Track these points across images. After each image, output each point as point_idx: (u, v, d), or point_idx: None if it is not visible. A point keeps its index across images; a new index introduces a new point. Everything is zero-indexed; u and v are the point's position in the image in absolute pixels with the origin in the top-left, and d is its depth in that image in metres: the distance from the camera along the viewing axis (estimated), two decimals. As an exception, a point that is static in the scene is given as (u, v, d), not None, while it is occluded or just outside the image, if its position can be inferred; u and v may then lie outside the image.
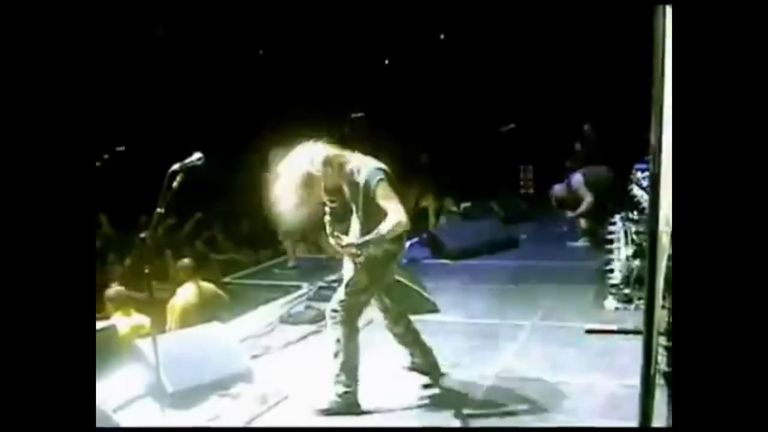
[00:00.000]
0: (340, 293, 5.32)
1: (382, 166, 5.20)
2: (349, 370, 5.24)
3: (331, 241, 5.11)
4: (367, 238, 5.11)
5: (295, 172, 5.06)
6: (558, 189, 11.19)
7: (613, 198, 10.50)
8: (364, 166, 5.19)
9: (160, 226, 8.01)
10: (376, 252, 5.17)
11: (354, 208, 5.34)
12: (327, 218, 5.21)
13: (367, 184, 5.11)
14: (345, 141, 5.77)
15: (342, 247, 5.09)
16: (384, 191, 5.07)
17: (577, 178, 10.76)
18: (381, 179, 5.09)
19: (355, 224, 5.38)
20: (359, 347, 5.30)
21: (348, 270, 5.37)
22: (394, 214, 5.00)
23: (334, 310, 5.28)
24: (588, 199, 10.57)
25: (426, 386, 5.69)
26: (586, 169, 10.92)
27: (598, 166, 11.03)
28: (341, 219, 5.42)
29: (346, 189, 5.30)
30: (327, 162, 5.14)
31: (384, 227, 5.00)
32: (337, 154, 5.24)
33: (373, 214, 5.12)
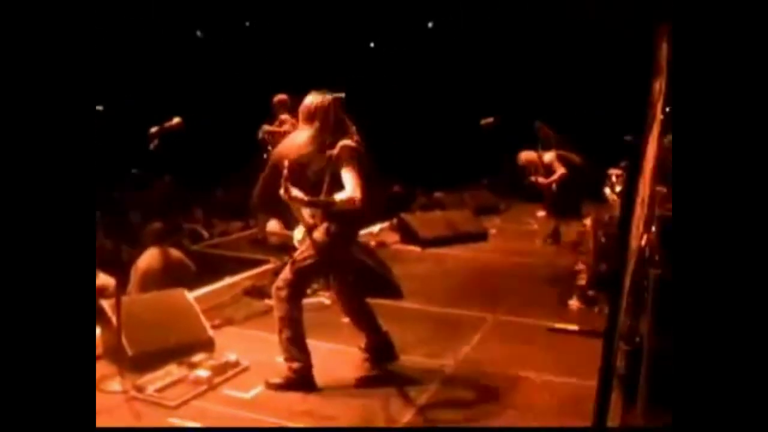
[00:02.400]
0: (286, 271, 5.38)
1: (352, 143, 5.26)
2: (297, 345, 5.29)
3: (281, 191, 5.10)
4: (317, 199, 5.17)
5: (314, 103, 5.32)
6: (526, 154, 11.13)
7: (584, 192, 10.56)
8: (340, 141, 5.24)
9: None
10: (323, 234, 5.26)
11: (324, 179, 5.35)
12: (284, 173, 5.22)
13: (338, 157, 5.15)
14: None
15: (290, 198, 5.09)
16: (348, 166, 5.13)
17: (551, 155, 10.73)
18: (351, 156, 5.16)
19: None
20: (303, 323, 5.34)
21: (298, 250, 5.42)
22: (351, 190, 5.06)
23: (278, 288, 5.34)
24: (561, 170, 10.57)
25: (381, 368, 5.72)
26: (561, 152, 10.87)
27: (573, 154, 11.00)
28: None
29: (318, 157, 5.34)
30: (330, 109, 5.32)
31: (337, 196, 5.07)
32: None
33: (336, 191, 5.16)
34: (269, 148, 10.34)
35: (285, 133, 9.96)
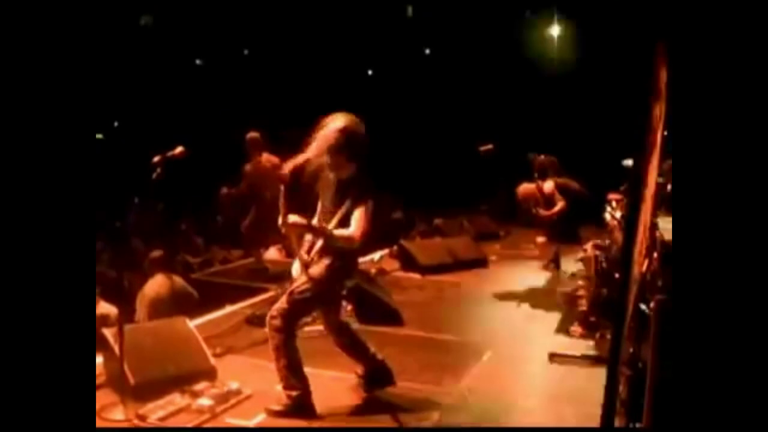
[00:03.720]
0: (282, 301, 5.37)
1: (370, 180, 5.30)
2: (295, 372, 5.28)
3: (279, 218, 5.13)
4: (315, 225, 5.21)
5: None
6: (525, 187, 11.18)
7: (583, 218, 10.59)
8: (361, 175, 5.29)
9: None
10: (322, 269, 5.28)
11: (330, 205, 5.38)
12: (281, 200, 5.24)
13: (356, 193, 5.21)
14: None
15: (287, 224, 5.11)
16: (361, 206, 5.17)
17: (550, 184, 10.77)
18: (369, 198, 5.20)
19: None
20: (298, 350, 5.33)
21: (296, 281, 5.44)
22: (355, 230, 5.12)
23: (272, 317, 5.34)
24: (561, 203, 10.60)
25: (382, 395, 5.69)
26: (559, 180, 10.93)
27: (571, 180, 11.06)
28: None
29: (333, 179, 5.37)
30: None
31: (338, 231, 5.13)
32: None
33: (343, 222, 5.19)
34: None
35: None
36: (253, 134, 10.57)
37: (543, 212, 10.83)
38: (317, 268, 5.32)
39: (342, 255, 5.29)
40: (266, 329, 5.43)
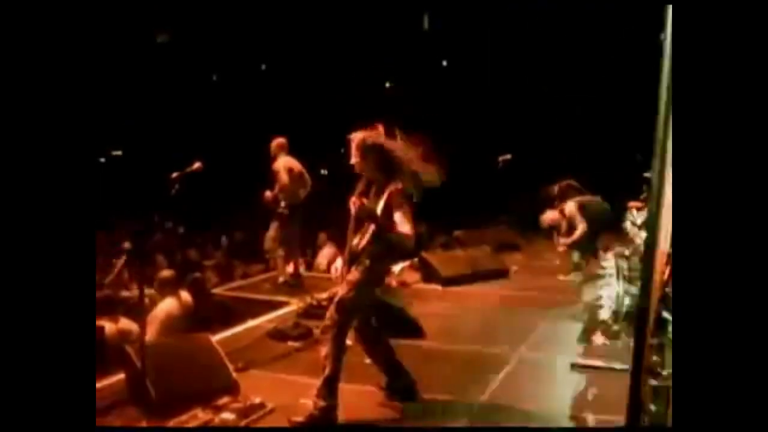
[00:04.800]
0: (331, 310, 5.39)
1: (400, 186, 5.34)
2: (331, 385, 5.28)
3: (353, 199, 5.23)
4: (382, 221, 5.26)
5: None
6: (549, 215, 11.23)
7: (605, 229, 10.56)
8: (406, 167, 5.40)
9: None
10: (372, 266, 5.35)
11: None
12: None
13: (388, 202, 5.28)
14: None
15: (358, 207, 5.20)
16: (401, 209, 5.27)
17: (571, 206, 10.76)
18: (402, 200, 5.29)
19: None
20: (343, 365, 5.34)
21: (341, 288, 5.44)
22: (406, 228, 5.21)
23: (326, 327, 5.37)
24: (582, 227, 10.58)
25: (405, 408, 5.68)
26: (580, 198, 10.92)
27: (591, 196, 11.05)
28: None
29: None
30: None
31: (401, 228, 5.20)
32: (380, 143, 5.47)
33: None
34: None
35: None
36: (279, 139, 10.43)
37: (564, 241, 10.91)
38: (355, 273, 5.37)
39: (383, 259, 5.41)
40: (295, 342, 5.43)
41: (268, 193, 10.32)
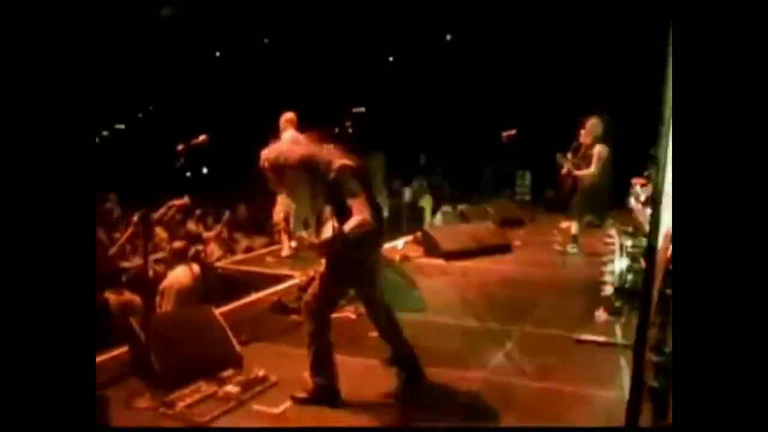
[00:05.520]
0: (314, 287, 5.40)
1: (349, 162, 5.23)
2: (322, 361, 5.30)
3: (294, 239, 5.20)
4: (330, 239, 5.19)
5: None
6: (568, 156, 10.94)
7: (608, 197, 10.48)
8: (334, 161, 5.21)
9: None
10: (341, 256, 5.21)
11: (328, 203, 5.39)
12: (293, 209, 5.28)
13: (335, 181, 5.13)
14: (342, 135, 5.85)
15: (307, 247, 5.15)
16: (349, 189, 5.10)
17: (601, 148, 10.53)
18: (347, 177, 5.13)
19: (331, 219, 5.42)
20: (331, 341, 5.35)
21: (322, 265, 5.45)
22: (358, 214, 5.04)
23: (307, 303, 5.37)
24: (593, 169, 10.50)
25: (406, 382, 5.69)
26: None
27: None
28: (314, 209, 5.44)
29: (315, 184, 5.32)
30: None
31: (347, 227, 5.04)
32: (302, 154, 5.31)
33: (343, 212, 5.14)
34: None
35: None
36: (289, 114, 10.13)
37: (577, 171, 10.65)
38: (326, 262, 5.35)
39: (348, 246, 5.15)
40: (297, 315, 5.42)
41: None
